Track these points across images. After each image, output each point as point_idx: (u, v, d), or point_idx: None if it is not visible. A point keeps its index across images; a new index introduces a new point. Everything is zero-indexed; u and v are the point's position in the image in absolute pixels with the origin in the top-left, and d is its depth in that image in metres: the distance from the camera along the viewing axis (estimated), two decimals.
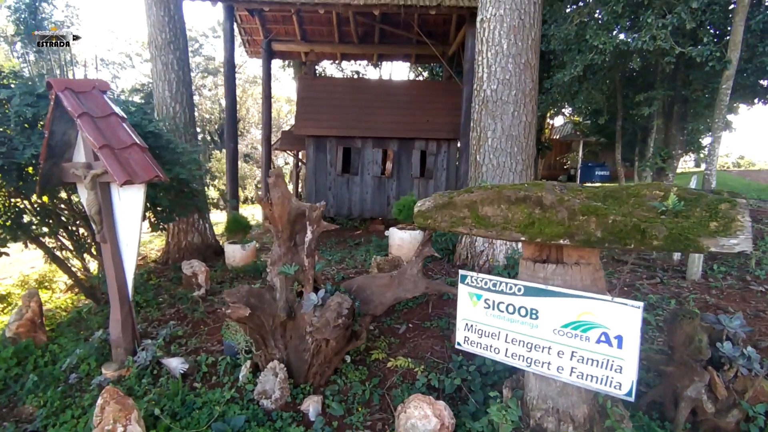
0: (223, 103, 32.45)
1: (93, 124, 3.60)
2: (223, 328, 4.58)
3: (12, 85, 4.50)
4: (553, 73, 6.97)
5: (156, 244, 9.60)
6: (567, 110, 17.02)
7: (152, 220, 5.50)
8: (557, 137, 22.78)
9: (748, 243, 1.87)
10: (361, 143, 10.52)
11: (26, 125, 4.29)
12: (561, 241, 2.31)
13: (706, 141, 15.47)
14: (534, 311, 2.51)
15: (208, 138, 30.85)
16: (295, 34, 12.36)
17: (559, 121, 23.35)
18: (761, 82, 7.03)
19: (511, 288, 2.58)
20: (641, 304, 2.17)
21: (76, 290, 6.72)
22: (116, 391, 3.10)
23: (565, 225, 2.32)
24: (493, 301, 2.66)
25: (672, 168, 7.83)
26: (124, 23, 71.52)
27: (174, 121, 7.13)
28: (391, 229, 6.58)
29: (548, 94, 8.13)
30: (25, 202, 4.87)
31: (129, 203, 3.89)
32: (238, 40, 12.81)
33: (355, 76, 21.11)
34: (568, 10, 6.82)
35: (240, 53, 18.94)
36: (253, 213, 18.54)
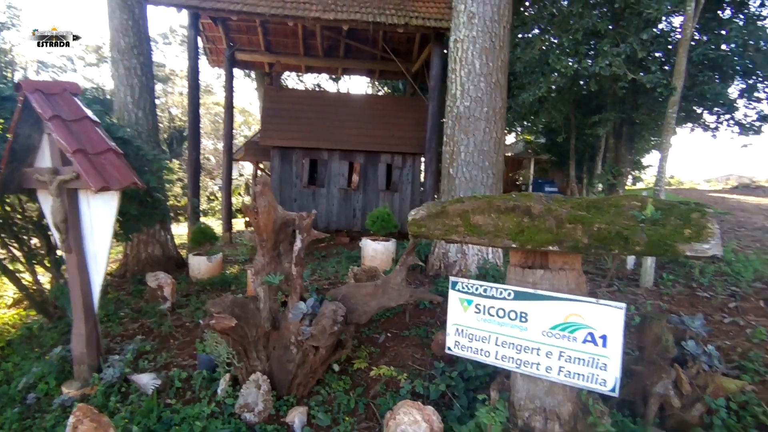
0: (173, 111, 31.37)
1: (65, 127, 3.43)
2: (197, 342, 4.43)
3: None
4: (516, 94, 7.39)
5: (110, 256, 9.08)
6: (518, 129, 17.89)
7: (116, 230, 5.24)
8: (510, 154, 23.81)
9: (719, 248, 2.09)
10: (327, 155, 10.54)
11: None
12: (550, 248, 2.47)
13: (645, 161, 16.74)
14: (523, 314, 2.64)
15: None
16: (260, 44, 12.28)
17: (510, 138, 24.44)
18: (696, 109, 7.78)
19: (501, 293, 2.70)
20: (624, 305, 2.36)
21: (25, 305, 6.24)
22: (90, 409, 2.94)
23: (554, 232, 2.49)
24: (484, 306, 2.77)
25: (622, 184, 8.46)
26: (66, 25, 67.82)
27: (137, 127, 6.87)
28: (364, 239, 6.62)
29: (512, 112, 8.57)
30: None
31: (100, 211, 3.72)
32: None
33: (315, 89, 21.15)
34: (531, 35, 7.29)
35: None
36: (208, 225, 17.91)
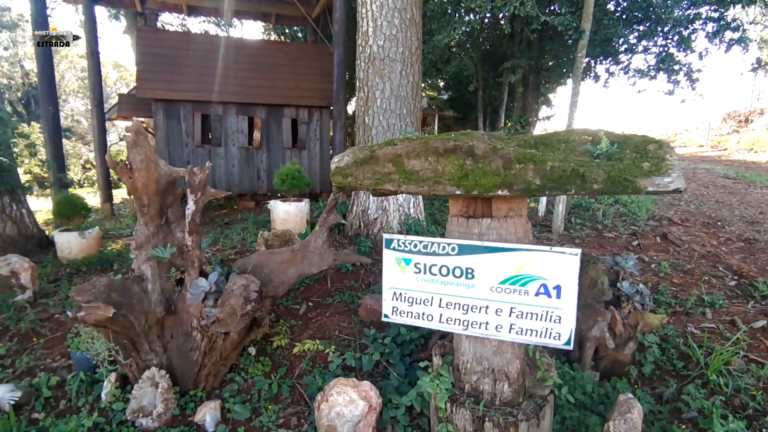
0: (27, 65, 26.23)
1: None
2: (68, 337, 3.57)
3: None
4: (429, 37, 6.99)
5: None
6: (427, 82, 17.79)
7: None
8: None
9: (681, 181, 1.90)
10: (222, 109, 9.34)
11: None
12: (499, 192, 2.14)
13: (543, 112, 17.73)
14: (470, 270, 2.33)
15: (9, 109, 24.72)
16: None
17: None
18: (593, 61, 8.07)
19: (444, 248, 2.36)
20: (579, 251, 2.14)
21: None
22: None
23: (502, 175, 2.16)
24: (425, 265, 2.41)
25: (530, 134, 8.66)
26: None
27: None
28: (273, 201, 5.93)
29: (423, 60, 8.17)
30: None
31: None
32: None
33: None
34: None
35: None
36: (84, 197, 15.53)
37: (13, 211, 5.94)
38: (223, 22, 18.09)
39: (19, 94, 26.23)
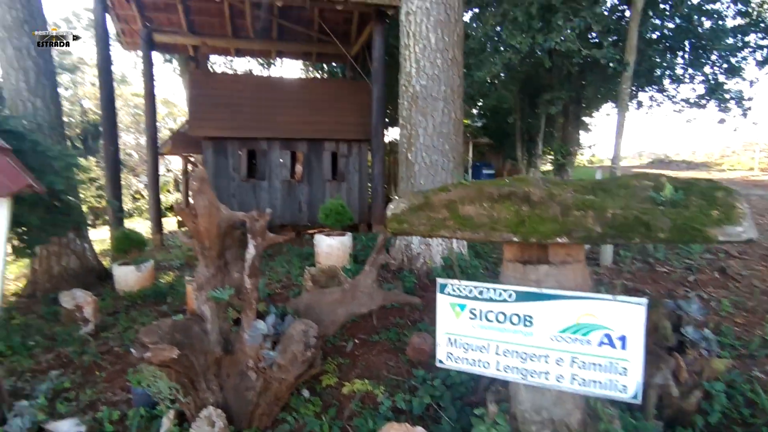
0: (85, 104, 28.33)
1: None
2: (129, 372, 3.71)
3: None
4: (469, 72, 7.11)
5: (14, 272, 7.77)
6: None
7: (16, 243, 4.30)
8: None
9: (753, 230, 1.84)
10: (267, 145, 9.74)
11: None
12: (558, 239, 2.12)
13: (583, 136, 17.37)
14: (528, 318, 2.29)
15: (69, 144, 26.63)
16: (181, 24, 11.06)
17: None
18: (636, 88, 7.93)
19: (500, 294, 2.34)
20: (645, 300, 2.07)
21: None
22: None
23: (560, 222, 2.15)
24: (480, 311, 2.40)
25: (571, 164, 8.56)
26: None
27: (35, 119, 5.77)
28: (317, 236, 6.07)
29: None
30: None
31: None
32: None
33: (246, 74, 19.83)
34: (481, 10, 7.02)
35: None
36: (134, 228, 16.34)
37: (77, 245, 6.34)
38: (264, 62, 18.99)
39: (78, 131, 28.24)
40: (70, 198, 4.87)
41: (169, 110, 33.60)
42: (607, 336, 2.14)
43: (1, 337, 4.54)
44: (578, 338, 2.20)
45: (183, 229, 11.03)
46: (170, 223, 14.68)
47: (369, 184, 10.75)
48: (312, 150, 10.07)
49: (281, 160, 9.86)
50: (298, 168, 10.03)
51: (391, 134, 14.64)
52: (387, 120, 11.95)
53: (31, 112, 5.83)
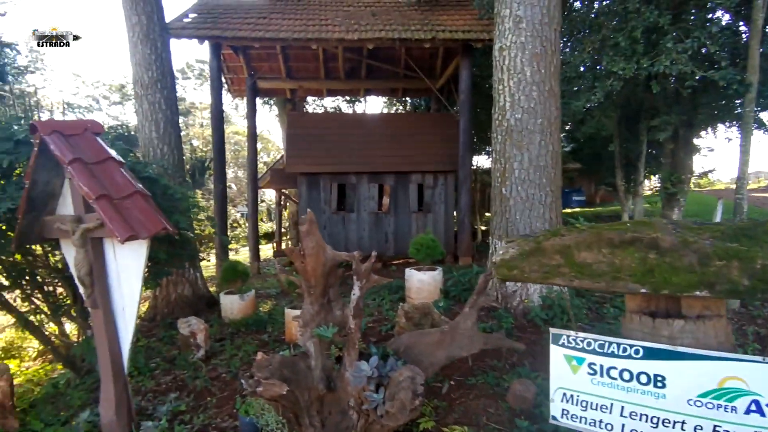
0: (194, 143, 31.84)
1: (87, 171, 3.05)
2: (237, 400, 3.94)
3: None
4: (566, 102, 6.84)
5: None
6: None
7: (145, 275, 4.85)
8: None
9: None
10: (356, 179, 10.12)
11: None
12: (697, 293, 1.90)
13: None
14: (659, 378, 2.06)
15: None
16: (280, 71, 12.10)
17: None
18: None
19: (625, 350, 2.13)
20: None
21: (49, 356, 5.89)
22: None
23: (698, 273, 1.92)
24: (601, 366, 2.20)
25: (683, 192, 7.76)
26: (90, 67, 70.72)
27: (162, 163, 6.58)
28: (408, 270, 6.09)
29: None
30: None
31: (128, 262, 3.31)
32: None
33: (335, 111, 21.00)
34: (579, 37, 6.81)
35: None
36: (232, 254, 17.72)
37: (190, 275, 6.99)
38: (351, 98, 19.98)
39: (187, 167, 31.72)
40: (188, 234, 5.40)
41: (263, 145, 36.60)
42: (756, 403, 1.86)
43: (130, 359, 5.08)
44: (721, 404, 1.93)
45: (278, 258, 11.71)
46: (264, 249, 15.68)
47: (456, 214, 10.66)
48: (398, 182, 10.26)
49: (369, 192, 10.16)
50: (385, 200, 10.25)
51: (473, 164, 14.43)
52: (474, 152, 11.89)
53: (159, 156, 6.66)
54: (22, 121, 4.04)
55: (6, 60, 20.65)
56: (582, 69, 6.53)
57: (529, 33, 4.69)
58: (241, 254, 18.42)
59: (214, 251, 11.01)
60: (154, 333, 6.20)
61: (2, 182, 3.66)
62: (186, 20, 8.74)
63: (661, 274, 1.98)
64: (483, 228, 13.54)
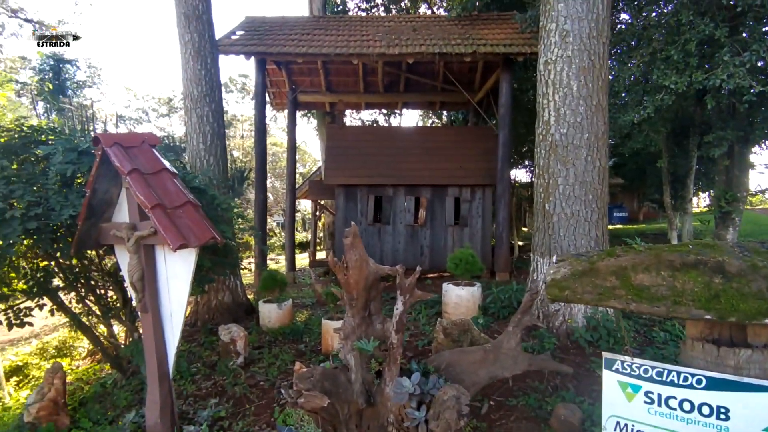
0: (235, 153, 32.97)
1: (143, 181, 3.20)
2: (275, 409, 3.98)
3: (50, 142, 4.18)
4: (614, 116, 6.64)
5: None
6: None
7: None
8: None
9: None
10: (392, 191, 10.16)
11: (59, 183, 3.93)
12: (766, 321, 1.77)
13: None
14: (723, 410, 1.93)
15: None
16: (321, 85, 12.38)
17: None
18: None
19: (686, 379, 2.01)
20: None
21: (98, 357, 6.16)
22: None
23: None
24: (659, 395, 2.08)
25: (739, 211, 7.33)
26: (141, 81, 74.86)
27: (209, 173, 6.83)
28: (446, 285, 6.02)
29: None
30: (52, 263, 4.44)
31: (177, 269, 3.43)
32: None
33: (373, 124, 21.24)
34: (627, 49, 6.62)
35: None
36: (279, 270, 18.07)
37: (231, 282, 7.17)
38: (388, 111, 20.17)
39: (228, 175, 32.84)
40: (232, 243, 5.55)
41: (300, 156, 37.51)
42: None
43: (174, 362, 5.24)
44: None
45: (313, 269, 11.85)
46: (299, 258, 15.93)
47: (494, 228, 10.49)
48: (435, 195, 10.22)
49: (405, 205, 10.17)
50: (421, 213, 10.22)
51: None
52: (513, 165, 11.72)
53: (206, 167, 6.92)
54: (79, 133, 4.29)
55: (66, 75, 22.15)
56: (628, 82, 6.33)
57: (576, 47, 4.60)
58: (275, 261, 18.77)
59: (249, 259, 11.28)
60: (195, 338, 6.38)
61: (65, 190, 3.88)
62: (234, 37, 9.12)
63: (728, 300, 1.87)
64: (520, 243, 13.24)
